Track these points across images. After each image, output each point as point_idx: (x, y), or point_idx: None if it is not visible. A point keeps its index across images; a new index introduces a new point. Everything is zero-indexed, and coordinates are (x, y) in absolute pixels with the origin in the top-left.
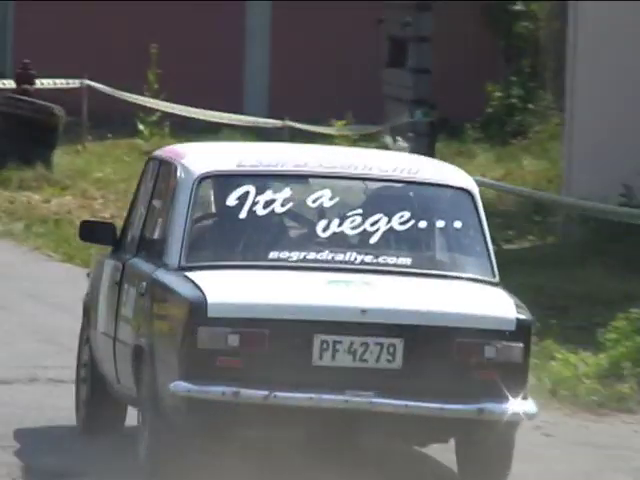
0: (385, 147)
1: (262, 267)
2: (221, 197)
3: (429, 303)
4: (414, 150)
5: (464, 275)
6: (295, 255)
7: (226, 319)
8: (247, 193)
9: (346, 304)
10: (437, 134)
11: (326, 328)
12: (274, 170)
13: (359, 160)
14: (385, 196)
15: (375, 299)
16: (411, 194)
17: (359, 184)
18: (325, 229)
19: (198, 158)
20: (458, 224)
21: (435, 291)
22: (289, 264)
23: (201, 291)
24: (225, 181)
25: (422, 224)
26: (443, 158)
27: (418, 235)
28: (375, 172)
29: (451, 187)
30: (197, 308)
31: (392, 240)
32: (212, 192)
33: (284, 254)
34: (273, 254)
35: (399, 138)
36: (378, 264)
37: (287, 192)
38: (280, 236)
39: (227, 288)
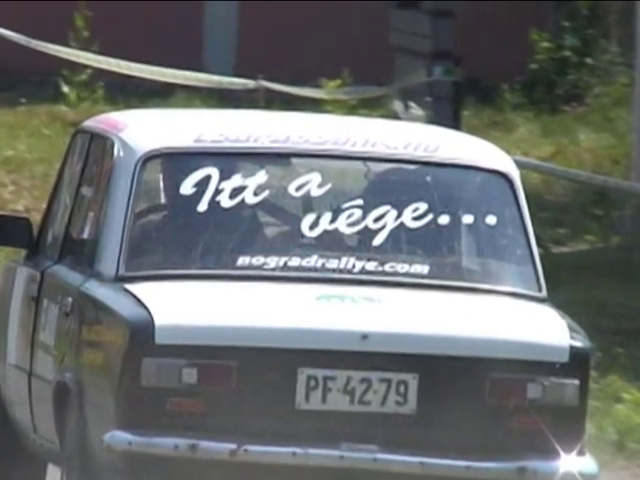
0: (394, 116)
1: (228, 277)
2: (173, 183)
3: (452, 326)
4: (433, 120)
5: (500, 288)
6: (273, 261)
7: (180, 347)
8: (208, 178)
9: (341, 327)
10: (463, 98)
11: (314, 360)
12: (244, 147)
13: (358, 133)
14: (393, 182)
15: (380, 320)
16: (428, 179)
17: (358, 166)
18: (313, 226)
19: (142, 131)
20: (492, 220)
21: (461, 310)
22: (265, 273)
23: (146, 309)
24: (179, 162)
25: (443, 220)
26: (472, 131)
27: (438, 234)
28: (380, 149)
29: (482, 170)
30: (141, 332)
31: (403, 241)
32: (161, 177)
33: (258, 260)
34: (243, 260)
35: (412, 104)
36: (384, 273)
37: (262, 176)
38: (252, 236)
39: (181, 306)
